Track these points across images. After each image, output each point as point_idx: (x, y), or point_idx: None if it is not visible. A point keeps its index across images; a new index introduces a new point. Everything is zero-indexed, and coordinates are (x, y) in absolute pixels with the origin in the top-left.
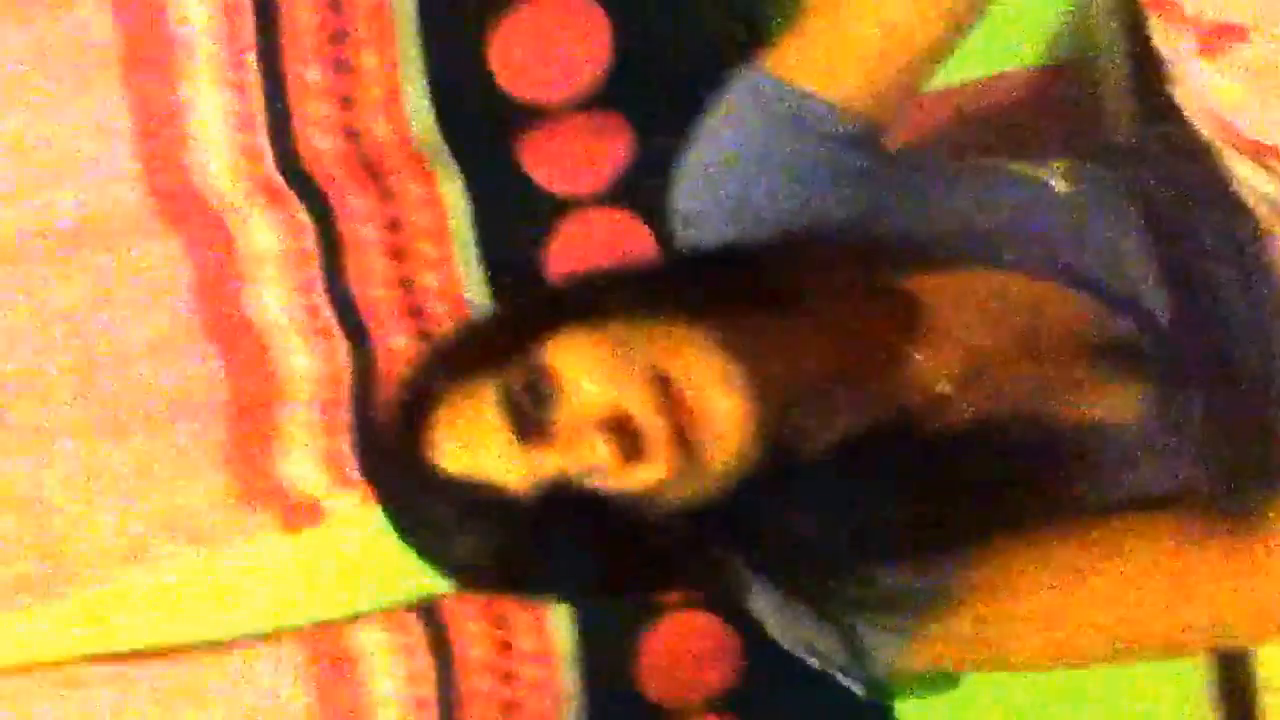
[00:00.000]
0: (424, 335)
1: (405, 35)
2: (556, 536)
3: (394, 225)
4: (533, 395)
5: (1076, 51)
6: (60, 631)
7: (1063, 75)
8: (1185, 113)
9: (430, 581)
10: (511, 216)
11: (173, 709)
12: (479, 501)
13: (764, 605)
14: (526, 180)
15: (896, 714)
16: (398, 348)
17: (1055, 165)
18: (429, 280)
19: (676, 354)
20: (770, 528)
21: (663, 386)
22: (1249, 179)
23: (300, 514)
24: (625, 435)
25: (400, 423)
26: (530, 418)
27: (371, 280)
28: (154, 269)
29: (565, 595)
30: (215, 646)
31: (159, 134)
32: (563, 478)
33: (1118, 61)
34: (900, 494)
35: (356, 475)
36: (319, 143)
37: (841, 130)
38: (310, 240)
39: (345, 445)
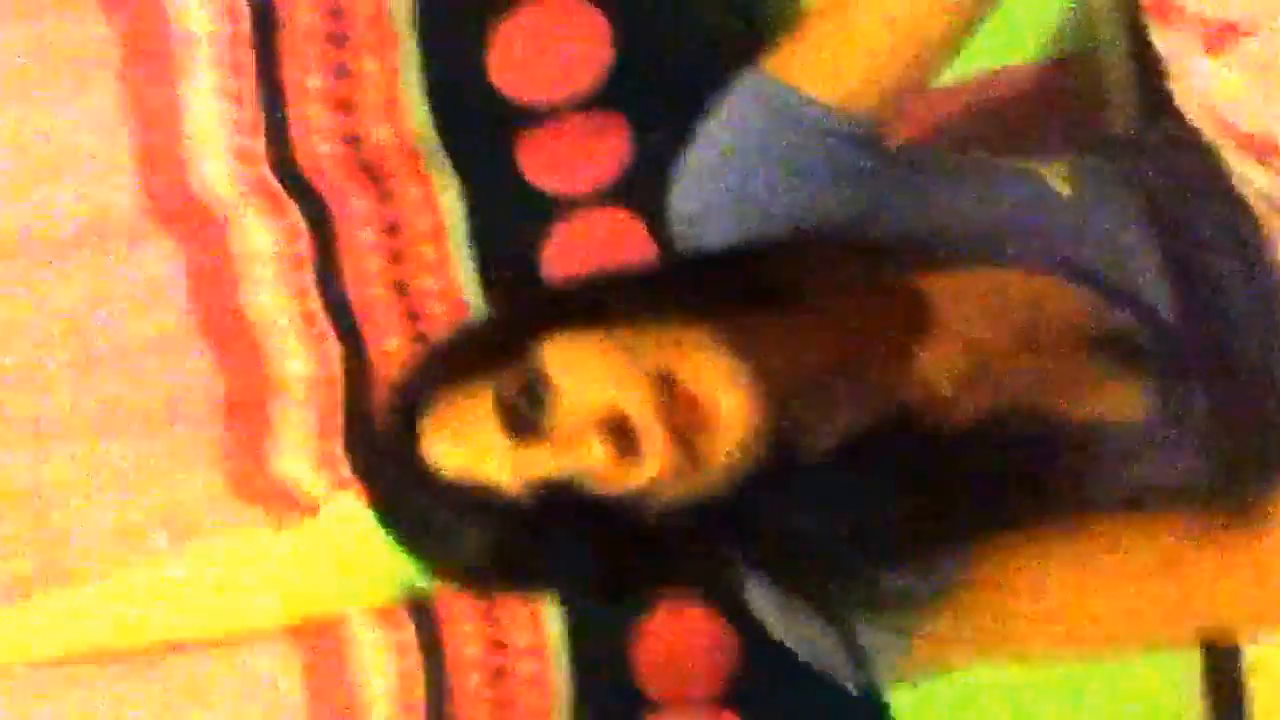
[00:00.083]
0: (420, 337)
1: (404, 37)
2: (552, 537)
3: (391, 228)
4: (529, 396)
5: (1078, 46)
6: (53, 627)
7: (1065, 70)
8: (1185, 111)
9: (423, 575)
10: (509, 218)
11: (167, 706)
12: (474, 502)
13: (763, 603)
14: (524, 182)
15: (892, 709)
16: (392, 349)
17: (1056, 167)
18: (426, 282)
19: (680, 354)
20: (771, 526)
21: (665, 387)
22: (1250, 176)
23: (293, 510)
24: (621, 435)
25: (395, 423)
26: (526, 419)
27: (368, 282)
28: (150, 268)
29: (561, 594)
30: (208, 643)
31: (156, 135)
32: (558, 479)
33: (1119, 56)
34: (902, 491)
35: (347, 471)
36: (316, 145)
37: (843, 132)
38: (305, 242)
39: (338, 443)
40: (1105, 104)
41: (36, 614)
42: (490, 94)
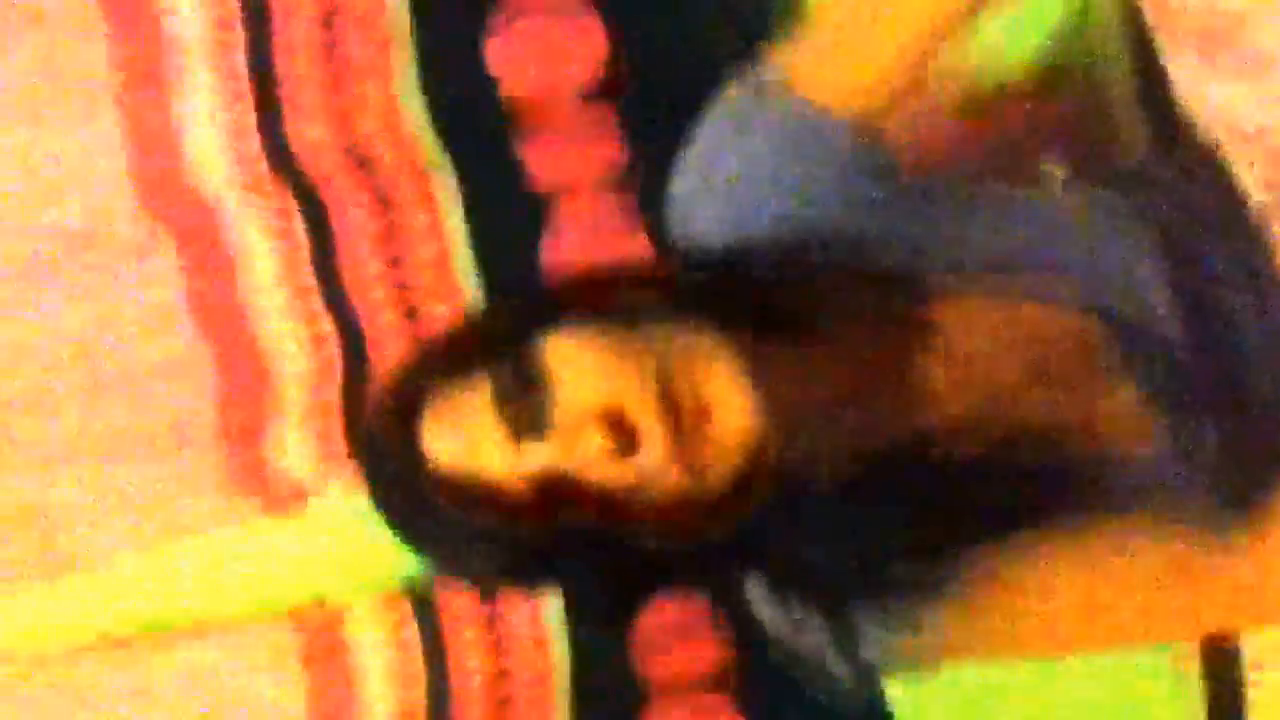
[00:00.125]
0: (419, 332)
1: (399, 32)
2: (549, 533)
3: (389, 223)
4: (528, 390)
5: (1079, 46)
6: (50, 619)
7: (1067, 80)
8: (1188, 113)
9: (421, 566)
10: (506, 213)
11: (165, 701)
12: (471, 496)
13: (759, 603)
14: (521, 174)
15: (889, 705)
16: (390, 343)
17: (1057, 169)
18: (424, 278)
19: (679, 354)
20: (778, 552)
21: (662, 382)
22: (1250, 175)
23: (288, 500)
24: (620, 429)
25: (394, 415)
26: (523, 412)
27: (365, 276)
28: (154, 290)
29: (559, 589)
30: (206, 637)
31: (152, 133)
32: (555, 472)
33: (1119, 55)
34: (909, 520)
35: (345, 462)
36: (312, 139)
37: (841, 134)
38: (301, 230)
39: (335, 432)
40: (1106, 104)
41: (32, 606)
42: (487, 90)
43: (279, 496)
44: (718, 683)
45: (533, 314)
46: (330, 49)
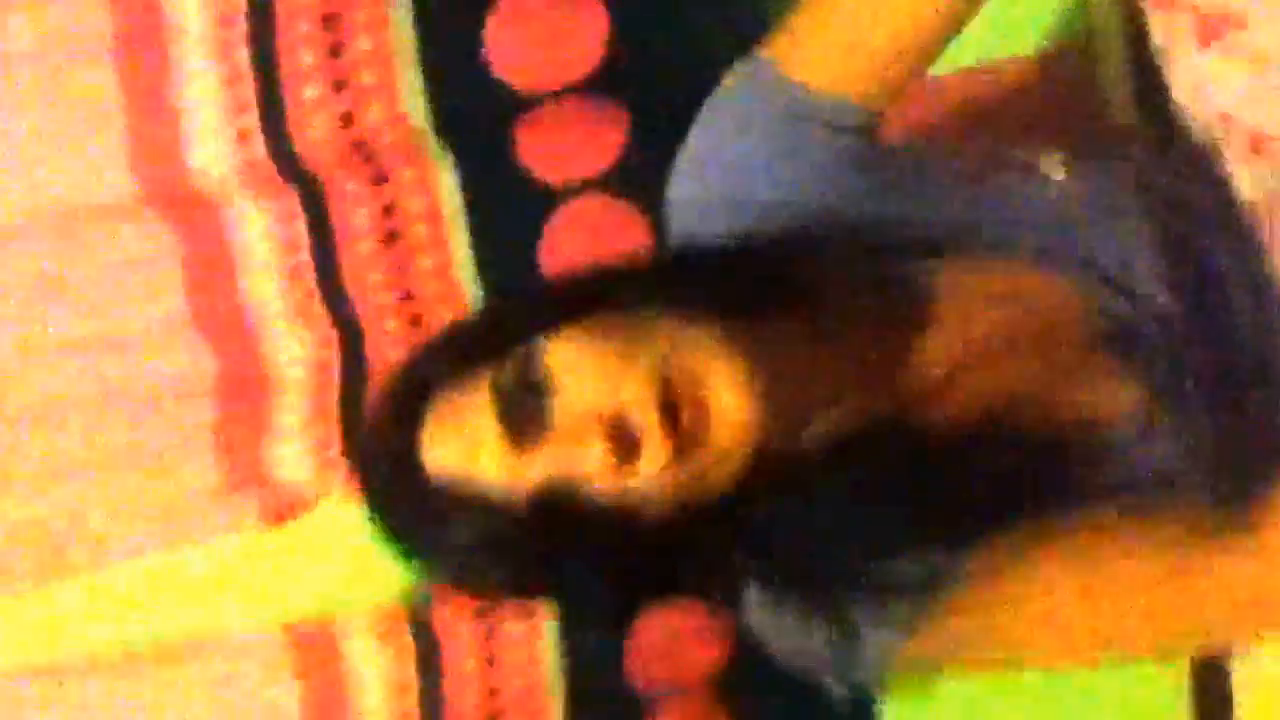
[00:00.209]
0: (416, 323)
1: (400, 21)
2: (547, 540)
3: (387, 212)
4: (529, 394)
5: (1075, 38)
6: (44, 628)
7: (1063, 64)
8: (1182, 103)
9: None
10: (506, 204)
11: (158, 709)
12: (469, 503)
13: (755, 610)
14: (521, 168)
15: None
16: (389, 336)
17: (1054, 155)
18: (422, 267)
19: (679, 353)
20: (770, 524)
21: (662, 385)
22: (1245, 169)
23: (287, 505)
24: (621, 435)
25: (391, 419)
26: (525, 417)
27: (364, 268)
28: (144, 256)
29: (555, 598)
30: (200, 646)
31: (150, 119)
32: (557, 479)
33: (1116, 48)
34: (900, 488)
35: (344, 471)
36: (312, 129)
37: (842, 124)
38: (302, 227)
39: (334, 436)
40: (1102, 98)
41: (27, 614)
42: (487, 79)
43: (277, 506)
44: (713, 693)
45: (533, 315)
46: (333, 45)
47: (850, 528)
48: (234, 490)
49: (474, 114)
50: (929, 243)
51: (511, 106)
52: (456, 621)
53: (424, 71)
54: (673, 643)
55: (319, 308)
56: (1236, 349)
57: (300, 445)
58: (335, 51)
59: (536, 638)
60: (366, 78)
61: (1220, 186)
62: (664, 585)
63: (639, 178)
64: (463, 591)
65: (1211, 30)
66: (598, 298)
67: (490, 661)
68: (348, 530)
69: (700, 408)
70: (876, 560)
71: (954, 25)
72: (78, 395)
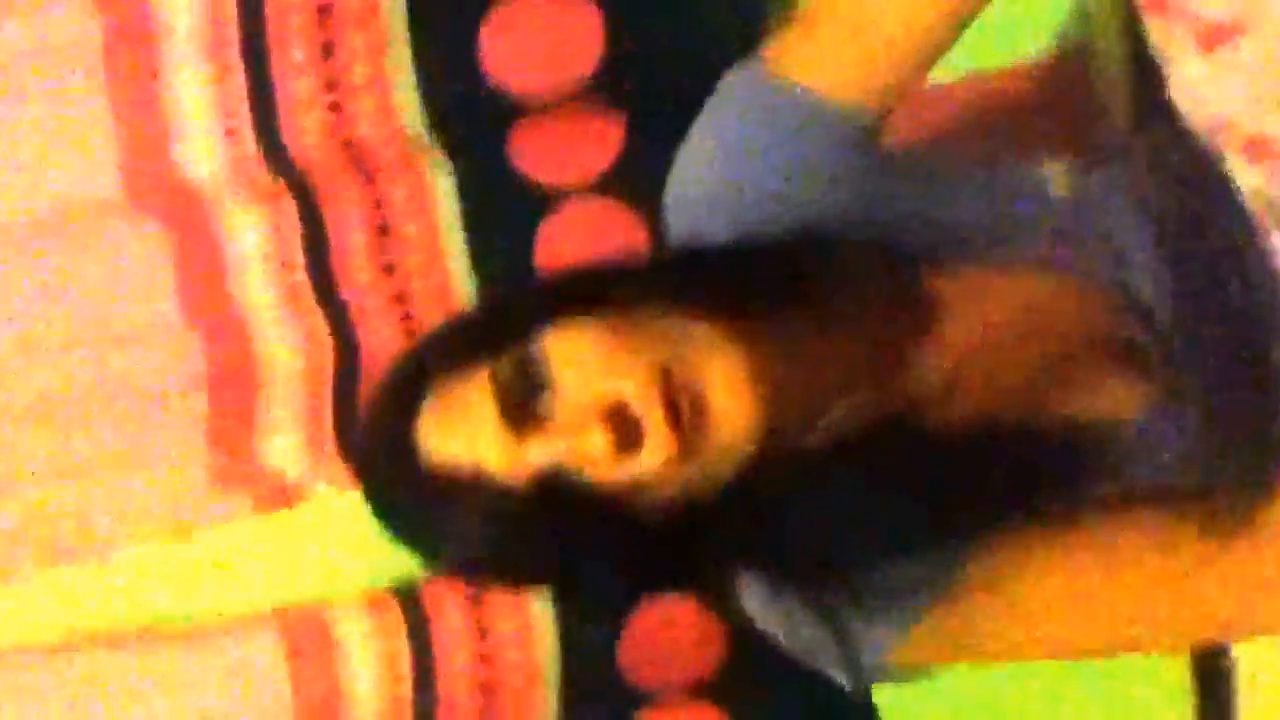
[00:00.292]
0: (407, 320)
1: (394, 24)
2: (547, 530)
3: (379, 210)
4: (528, 384)
5: (1074, 44)
6: (38, 613)
7: (1061, 68)
8: (1181, 108)
9: (411, 562)
10: (499, 207)
11: (151, 692)
12: (468, 492)
13: (755, 600)
14: (516, 170)
15: (878, 708)
16: (381, 335)
17: (1055, 168)
18: (414, 265)
19: (679, 347)
20: (771, 521)
21: (663, 378)
22: (1245, 175)
23: (279, 496)
24: (622, 425)
25: (389, 409)
26: (524, 407)
27: (355, 267)
28: (135, 254)
29: (552, 589)
30: (193, 630)
31: (141, 118)
32: (556, 468)
33: (1115, 54)
34: (900, 488)
35: (336, 458)
36: (304, 129)
37: (842, 127)
38: (294, 226)
39: (326, 429)
40: (1102, 103)
41: (21, 599)
42: (483, 82)
43: (270, 494)
44: (708, 690)
45: (533, 307)
46: (326, 43)
47: (852, 526)
48: (228, 482)
49: (468, 116)
50: (930, 246)
51: (507, 109)
52: (448, 605)
53: (418, 73)
54: (668, 641)
55: (310, 304)
56: (1237, 351)
57: (293, 437)
58: (328, 53)
59: (531, 631)
60: (358, 78)
61: (1220, 191)
62: (662, 576)
63: (636, 181)
64: (461, 579)
65: (1212, 36)
66: (599, 294)
67: (485, 646)
68: (339, 518)
69: (701, 404)
70: (878, 558)
71: (954, 28)
72: (71, 391)
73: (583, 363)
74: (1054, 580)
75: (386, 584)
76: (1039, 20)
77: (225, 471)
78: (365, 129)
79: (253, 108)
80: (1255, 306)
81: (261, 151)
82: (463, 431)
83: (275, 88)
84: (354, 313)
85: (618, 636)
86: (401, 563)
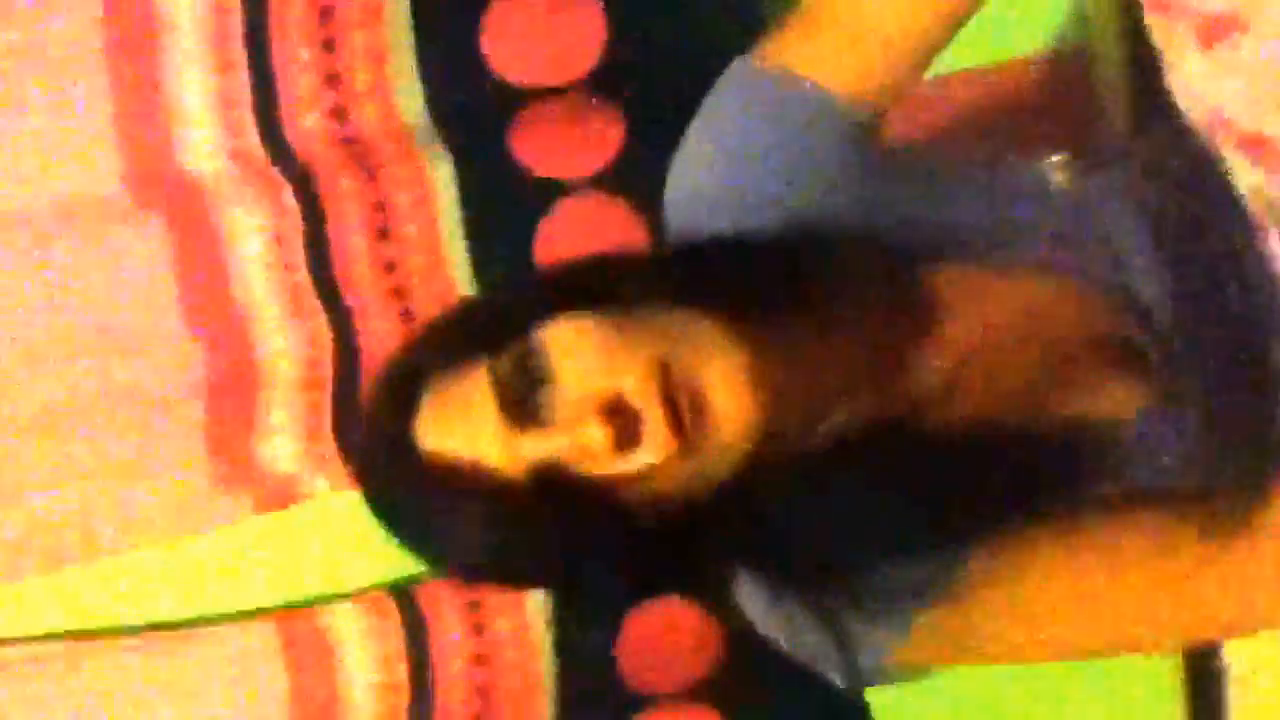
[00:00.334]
0: (408, 318)
1: (396, 17)
2: (546, 528)
3: (380, 207)
4: (527, 379)
5: (1075, 41)
6: (37, 612)
7: (1062, 66)
8: (1181, 107)
9: (407, 564)
10: (500, 200)
11: (149, 692)
12: (468, 489)
13: (753, 599)
14: (517, 164)
15: (874, 709)
16: (381, 330)
17: (1055, 160)
18: (414, 263)
19: (678, 343)
20: (770, 521)
21: (663, 374)
22: (1244, 175)
23: (278, 496)
24: (621, 421)
25: (388, 404)
26: (523, 402)
27: (356, 262)
28: (135, 251)
29: (552, 590)
30: (191, 630)
31: (141, 111)
32: (555, 463)
33: (1115, 52)
34: (904, 488)
35: (335, 457)
36: (305, 124)
37: (842, 122)
38: (296, 226)
39: (325, 427)
40: (1101, 100)
41: (23, 600)
42: (484, 75)
43: (271, 495)
44: (706, 692)
45: (532, 302)
46: (328, 37)
47: (852, 527)
48: (228, 484)
49: (470, 110)
50: (930, 247)
51: (508, 103)
52: (445, 606)
53: (419, 66)
54: (666, 643)
55: (311, 301)
56: (1236, 353)
57: (292, 438)
58: (329, 47)
59: (528, 633)
60: (361, 73)
61: (1220, 193)
62: (661, 576)
63: (636, 176)
64: (460, 579)
65: (1212, 30)
66: (598, 289)
67: (481, 648)
68: (339, 518)
69: (699, 402)
70: (878, 559)
71: (954, 23)
72: (74, 400)
73: (582, 358)
74: (1054, 581)
75: (385, 584)
76: (1037, 20)
77: (226, 474)
78: (366, 124)
79: (255, 103)
80: (1254, 309)
81: (262, 146)
82: (462, 428)
83: (277, 82)
84: (354, 311)
85: (616, 639)
86: (401, 563)
